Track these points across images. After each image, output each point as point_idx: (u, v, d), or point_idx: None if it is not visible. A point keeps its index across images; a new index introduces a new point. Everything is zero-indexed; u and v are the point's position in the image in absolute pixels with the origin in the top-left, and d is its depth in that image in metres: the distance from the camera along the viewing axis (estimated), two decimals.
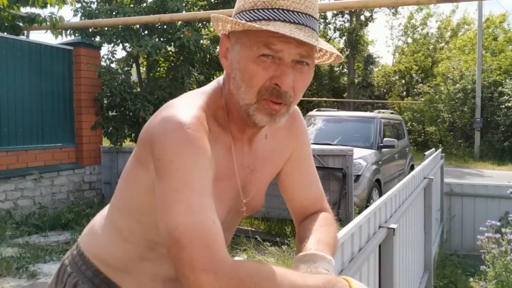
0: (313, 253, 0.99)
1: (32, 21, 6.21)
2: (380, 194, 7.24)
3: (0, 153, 5.58)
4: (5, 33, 5.96)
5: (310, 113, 9.59)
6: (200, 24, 7.85)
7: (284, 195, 1.22)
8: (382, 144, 7.53)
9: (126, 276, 1.12)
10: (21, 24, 6.28)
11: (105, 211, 1.19)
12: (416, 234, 3.18)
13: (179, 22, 7.25)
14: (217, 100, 1.04)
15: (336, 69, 28.66)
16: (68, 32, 6.86)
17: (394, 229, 1.95)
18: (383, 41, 68.35)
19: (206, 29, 8.07)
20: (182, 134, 0.90)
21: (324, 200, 1.22)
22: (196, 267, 0.79)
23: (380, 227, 1.97)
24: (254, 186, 1.13)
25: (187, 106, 0.97)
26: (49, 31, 6.73)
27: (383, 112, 9.28)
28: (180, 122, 0.91)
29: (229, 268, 0.80)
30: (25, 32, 6.88)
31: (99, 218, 1.20)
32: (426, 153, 4.91)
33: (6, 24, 6.04)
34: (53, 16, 6.28)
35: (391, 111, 10.70)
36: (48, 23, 6.27)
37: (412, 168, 9.49)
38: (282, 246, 4.98)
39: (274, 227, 5.82)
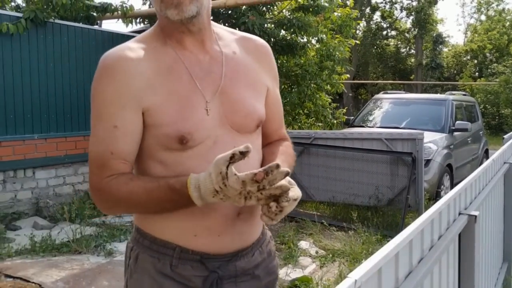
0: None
1: (105, 11, 6.46)
2: (452, 180, 6.95)
3: (77, 137, 5.92)
4: (81, 23, 6.25)
5: (377, 95, 9.33)
6: (264, 8, 7.82)
7: (264, 124, 1.34)
8: (454, 128, 7.20)
9: (169, 227, 1.20)
10: (94, 13, 6.55)
11: None
12: (496, 222, 3.01)
13: (244, 7, 7.26)
14: (154, 31, 1.25)
15: (402, 50, 27.67)
16: (138, 20, 7.08)
17: (475, 216, 1.85)
18: (454, 19, 64.93)
19: (271, 13, 8.02)
20: (99, 71, 1.16)
21: (284, 127, 1.45)
22: (91, 184, 1.15)
23: (460, 214, 1.88)
24: (226, 93, 1.22)
25: (117, 47, 1.19)
26: (120, 20, 6.98)
27: (455, 94, 8.85)
28: (102, 60, 1.17)
29: (106, 188, 1.12)
30: (98, 21, 7.18)
31: None
32: (505, 136, 4.61)
33: (81, 14, 6.32)
34: (124, 5, 6.50)
35: (463, 93, 10.17)
36: (119, 12, 6.51)
37: (486, 153, 9.01)
38: (349, 232, 4.93)
39: (339, 212, 5.76)
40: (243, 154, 0.99)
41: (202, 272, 1.20)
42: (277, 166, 0.99)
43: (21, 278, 3.55)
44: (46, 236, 4.45)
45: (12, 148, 5.25)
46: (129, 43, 1.21)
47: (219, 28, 1.33)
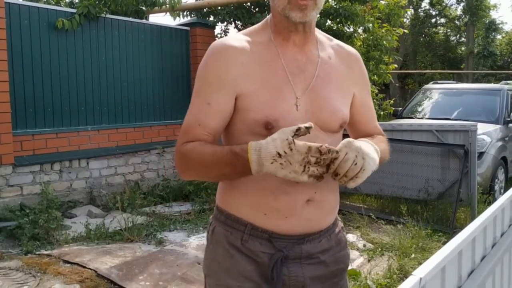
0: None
1: (154, 5, 6.57)
2: (506, 174, 6.69)
3: (128, 129, 6.10)
4: (130, 18, 6.40)
5: (426, 86, 9.07)
6: None
7: (353, 126, 1.48)
8: (509, 119, 6.91)
9: (244, 204, 1.33)
10: (144, 8, 6.68)
11: None
12: None
13: None
14: (262, 26, 1.37)
15: (452, 38, 26.70)
16: (185, 13, 7.17)
17: None
18: (508, 4, 61.75)
19: None
20: (206, 55, 1.31)
21: (378, 126, 1.52)
22: (176, 146, 1.30)
23: None
24: (315, 92, 1.32)
25: (225, 37, 1.34)
26: (167, 13, 7.09)
27: (510, 84, 8.46)
28: (210, 47, 1.31)
29: (183, 150, 1.26)
30: (146, 15, 7.31)
31: None
32: None
33: (131, 8, 6.45)
34: None
35: None
36: (167, 5, 6.61)
37: None
38: (397, 225, 4.84)
39: (387, 205, 5.65)
40: (308, 129, 1.12)
41: (269, 250, 1.32)
42: (337, 152, 1.13)
43: (78, 264, 3.70)
44: (100, 224, 4.62)
45: (68, 139, 5.48)
46: (237, 35, 1.35)
47: (319, 34, 1.44)
